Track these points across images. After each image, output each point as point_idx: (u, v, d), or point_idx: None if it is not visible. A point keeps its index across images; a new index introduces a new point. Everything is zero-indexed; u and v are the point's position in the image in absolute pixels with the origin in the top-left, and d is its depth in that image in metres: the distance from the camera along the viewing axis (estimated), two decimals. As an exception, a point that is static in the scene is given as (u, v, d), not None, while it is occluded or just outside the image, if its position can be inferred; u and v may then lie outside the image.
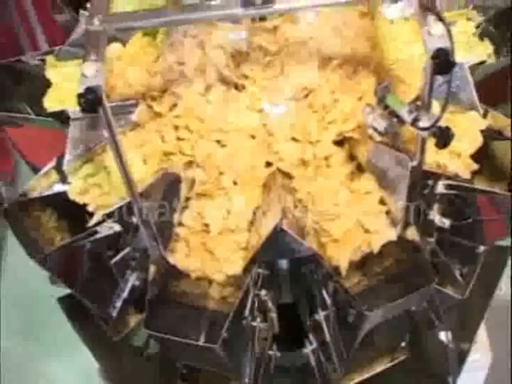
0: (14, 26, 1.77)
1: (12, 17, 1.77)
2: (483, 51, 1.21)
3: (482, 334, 1.29)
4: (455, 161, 1.08)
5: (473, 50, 1.21)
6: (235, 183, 1.09)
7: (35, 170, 1.25)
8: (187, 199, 1.10)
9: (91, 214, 1.09)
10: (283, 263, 1.07)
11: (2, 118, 1.25)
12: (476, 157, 1.09)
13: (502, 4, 1.27)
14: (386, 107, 1.05)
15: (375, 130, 1.04)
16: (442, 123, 0.90)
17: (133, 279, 1.14)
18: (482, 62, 1.20)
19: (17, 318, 1.57)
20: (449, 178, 1.07)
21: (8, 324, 1.57)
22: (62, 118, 1.18)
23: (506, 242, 1.21)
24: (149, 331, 1.02)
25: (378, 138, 1.05)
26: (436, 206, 1.11)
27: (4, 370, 1.51)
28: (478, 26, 1.24)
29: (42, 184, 1.15)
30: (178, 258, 1.07)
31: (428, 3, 0.87)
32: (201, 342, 0.98)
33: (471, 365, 1.26)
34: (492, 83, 1.22)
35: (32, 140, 1.28)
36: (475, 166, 1.09)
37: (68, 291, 1.14)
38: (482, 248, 1.14)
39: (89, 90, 0.83)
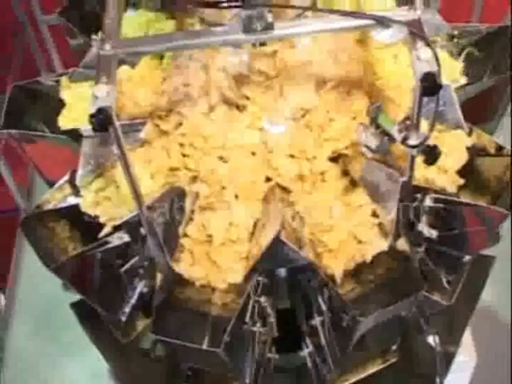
0: (31, 51, 1.78)
1: (30, 41, 1.77)
2: (456, 70, 1.22)
3: (467, 337, 1.29)
4: (442, 176, 1.08)
5: (455, 70, 1.22)
6: (237, 197, 1.09)
7: (50, 183, 1.26)
8: (192, 212, 1.09)
9: (102, 226, 1.09)
10: (282, 272, 1.06)
11: (19, 135, 1.25)
12: (462, 172, 1.09)
13: (485, 29, 1.26)
14: (378, 126, 1.06)
15: (368, 147, 1.05)
16: (430, 141, 0.90)
17: (141, 286, 1.13)
18: (469, 84, 1.20)
19: (33, 321, 1.57)
20: (436, 192, 1.06)
21: (25, 327, 1.58)
22: (75, 135, 1.17)
23: (489, 252, 1.19)
24: (156, 336, 1.02)
25: (371, 155, 1.06)
26: (424, 218, 1.10)
27: (20, 369, 1.52)
28: (462, 50, 1.25)
29: (57, 197, 1.14)
30: (183, 266, 1.07)
31: (417, 30, 0.88)
32: (204, 346, 0.98)
33: (457, 366, 1.26)
34: (477, 103, 1.22)
35: (47, 156, 1.28)
36: (461, 181, 1.09)
37: (80, 297, 1.13)
38: (467, 257, 1.13)
39: (100, 110, 0.83)
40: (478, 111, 1.22)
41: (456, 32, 1.26)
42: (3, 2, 1.61)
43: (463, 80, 1.21)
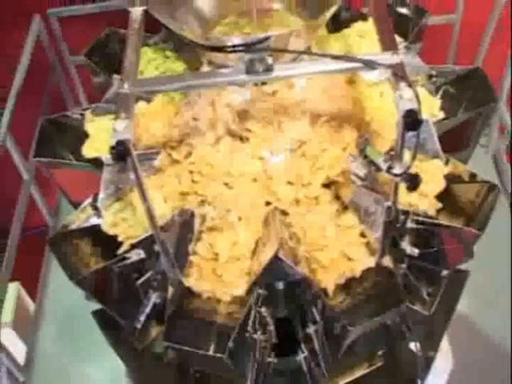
0: (61, 87, 1.78)
1: (60, 79, 1.78)
2: (434, 106, 1.21)
3: (444, 343, 1.27)
4: (423, 201, 1.07)
5: (433, 106, 1.21)
6: (240, 219, 1.08)
7: (75, 205, 1.26)
8: (200, 232, 1.08)
9: (120, 244, 1.08)
10: (280, 285, 1.05)
11: (48, 163, 1.25)
12: (440, 197, 1.08)
13: (460, 70, 1.26)
14: (366, 157, 1.05)
15: (357, 175, 1.05)
16: (412, 170, 0.90)
17: (154, 298, 1.12)
18: (446, 118, 1.19)
19: (58, 328, 1.56)
20: (418, 214, 1.06)
21: (51, 333, 1.57)
22: (97, 163, 1.17)
23: (464, 267, 1.19)
24: (167, 343, 1.01)
25: (359, 182, 1.05)
26: (407, 238, 1.10)
27: (47, 369, 1.51)
28: (439, 88, 1.24)
29: (80, 217, 1.13)
30: (192, 281, 1.06)
31: (400, 72, 0.87)
32: (211, 352, 0.97)
33: (436, 369, 1.25)
34: (452, 135, 1.21)
35: (72, 180, 1.27)
36: (439, 205, 1.08)
37: (100, 306, 1.12)
38: (445, 272, 1.12)
39: (119, 143, 0.83)
40: (454, 143, 1.21)
41: (434, 72, 1.26)
42: (37, 47, 1.61)
43: (441, 115, 1.21)
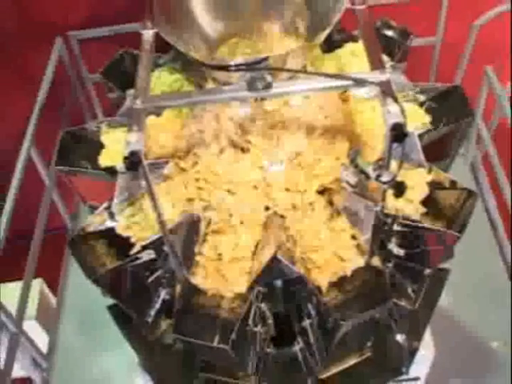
0: (79, 102, 1.78)
1: (78, 95, 1.77)
2: (425, 120, 1.20)
3: (427, 334, 1.27)
4: (408, 206, 1.06)
5: (417, 120, 1.20)
6: (241, 223, 1.07)
7: (91, 209, 1.24)
8: (205, 235, 1.07)
9: (133, 245, 1.06)
10: (278, 283, 1.03)
11: (67, 171, 1.23)
12: (423, 202, 1.07)
13: (441, 87, 1.25)
14: (356, 166, 1.05)
15: (348, 183, 1.04)
16: (398, 178, 0.89)
17: (164, 294, 1.11)
18: (428, 131, 1.18)
19: (77, 320, 1.57)
20: (403, 218, 1.05)
21: (70, 324, 1.57)
22: (111, 171, 1.16)
23: (446, 265, 1.18)
24: (176, 335, 1.00)
25: (351, 189, 1.04)
26: (393, 240, 1.09)
27: (67, 359, 1.50)
28: (423, 103, 1.23)
29: (97, 221, 1.12)
30: (198, 279, 1.04)
31: (387, 89, 0.86)
32: (215, 344, 0.96)
33: (419, 358, 1.24)
34: (434, 146, 1.20)
35: (89, 187, 1.27)
36: (423, 210, 1.06)
37: (115, 302, 1.11)
38: (428, 270, 1.11)
39: (132, 153, 0.82)
40: (436, 153, 1.20)
41: (418, 89, 1.25)
42: (58, 66, 1.61)
43: (425, 127, 1.19)
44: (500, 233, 1.58)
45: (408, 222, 1.04)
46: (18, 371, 1.36)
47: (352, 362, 1.19)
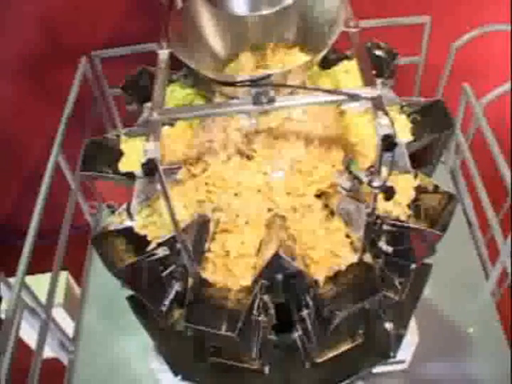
0: (101, 114, 1.77)
1: (101, 107, 1.77)
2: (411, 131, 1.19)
3: (412, 322, 1.25)
4: (396, 208, 1.04)
5: (405, 131, 1.19)
6: (247, 223, 1.05)
7: (112, 210, 1.23)
8: (214, 233, 1.06)
9: (149, 242, 1.05)
10: (279, 277, 1.02)
11: (91, 176, 1.22)
12: (410, 205, 1.06)
13: (424, 102, 1.25)
14: (350, 172, 1.04)
15: (343, 187, 1.04)
16: (388, 183, 0.88)
17: (177, 286, 1.10)
18: (414, 141, 1.17)
19: (99, 308, 1.56)
20: (392, 219, 1.04)
21: (93, 312, 1.56)
22: (130, 176, 1.16)
23: (429, 261, 1.17)
24: (187, 324, 0.99)
25: (345, 193, 1.03)
26: (383, 238, 1.07)
27: (90, 343, 1.49)
28: (409, 115, 1.22)
29: (117, 220, 1.10)
30: (208, 273, 1.03)
31: (378, 104, 0.85)
32: (223, 331, 0.95)
33: (405, 343, 1.22)
34: (419, 154, 1.20)
35: (111, 190, 1.25)
36: (409, 212, 1.05)
37: (133, 293, 1.10)
38: (413, 265, 1.09)
39: (149, 161, 0.81)
40: (420, 160, 1.20)
41: (404, 103, 1.24)
42: (83, 83, 1.60)
43: (411, 137, 1.18)
44: (476, 231, 1.57)
45: (396, 223, 1.03)
46: (47, 352, 1.36)
47: (345, 347, 1.18)
